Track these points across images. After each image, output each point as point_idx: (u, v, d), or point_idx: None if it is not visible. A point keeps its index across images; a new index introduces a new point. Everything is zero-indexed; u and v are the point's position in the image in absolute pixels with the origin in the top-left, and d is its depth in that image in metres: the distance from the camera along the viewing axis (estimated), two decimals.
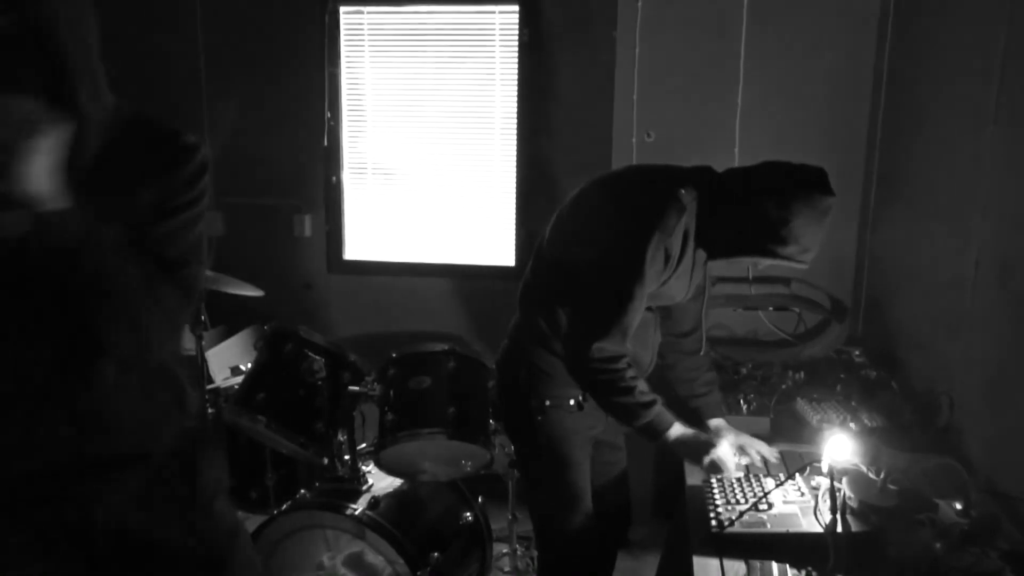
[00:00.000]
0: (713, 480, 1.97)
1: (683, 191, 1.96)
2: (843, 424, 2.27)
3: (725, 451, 2.02)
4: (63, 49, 1.11)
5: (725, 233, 1.99)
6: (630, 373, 2.00)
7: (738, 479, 1.96)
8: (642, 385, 2.01)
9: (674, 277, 2.01)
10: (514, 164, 3.68)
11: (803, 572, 1.60)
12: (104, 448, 1.32)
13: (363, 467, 2.62)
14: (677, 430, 2.03)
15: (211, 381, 3.14)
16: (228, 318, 3.59)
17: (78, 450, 1.29)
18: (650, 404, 2.00)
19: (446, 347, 2.62)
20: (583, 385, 2.09)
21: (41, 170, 1.06)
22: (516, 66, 3.60)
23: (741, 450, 2.08)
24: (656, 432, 2.02)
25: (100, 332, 1.18)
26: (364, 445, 2.69)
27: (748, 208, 1.94)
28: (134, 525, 1.35)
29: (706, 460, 2.00)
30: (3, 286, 1.17)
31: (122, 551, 1.36)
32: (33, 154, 1.05)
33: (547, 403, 2.12)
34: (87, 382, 1.27)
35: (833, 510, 1.69)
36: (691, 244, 2.00)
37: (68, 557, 1.32)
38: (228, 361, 3.33)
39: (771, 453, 2.11)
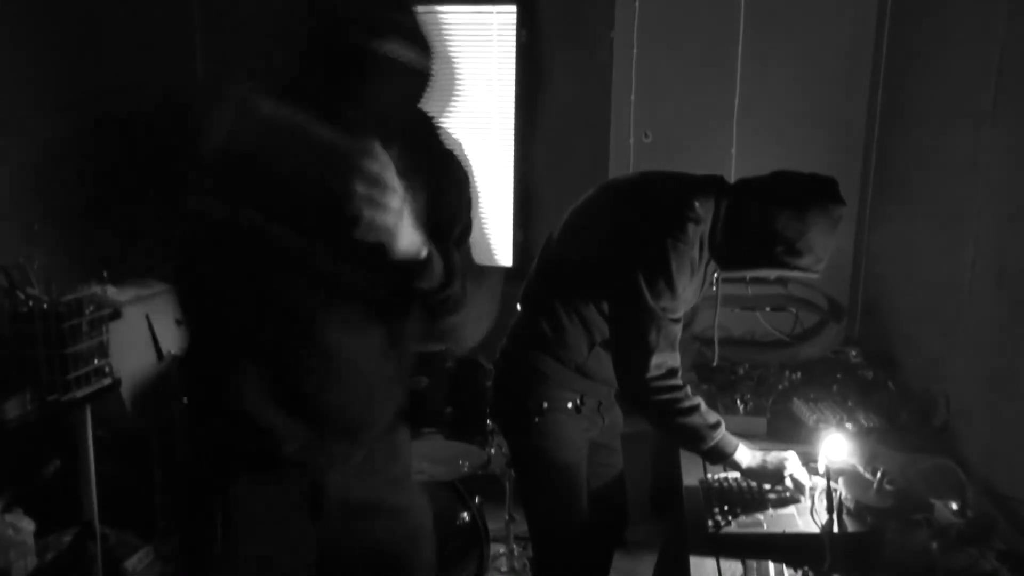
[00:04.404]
0: (712, 478, 1.98)
1: (697, 202, 1.96)
2: (840, 424, 2.27)
3: (797, 464, 1.94)
4: None
5: (739, 246, 1.98)
6: (690, 391, 1.96)
7: (736, 480, 1.96)
8: (704, 404, 1.96)
9: (690, 287, 2.01)
10: (511, 165, 3.68)
11: (799, 572, 1.60)
12: (356, 417, 1.53)
13: None
14: (744, 454, 1.96)
15: None
16: None
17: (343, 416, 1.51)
18: (716, 425, 1.94)
19: (444, 347, 2.62)
20: (644, 410, 2.00)
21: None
22: (514, 67, 3.60)
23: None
24: (722, 455, 1.95)
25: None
26: None
27: (763, 221, 1.93)
28: (354, 495, 1.57)
29: (789, 483, 1.91)
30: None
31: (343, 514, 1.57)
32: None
33: (544, 405, 2.12)
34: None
35: (829, 510, 1.70)
36: (704, 255, 2.00)
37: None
38: None
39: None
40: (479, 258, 1.58)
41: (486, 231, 3.76)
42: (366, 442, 1.59)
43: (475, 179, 1.56)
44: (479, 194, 1.57)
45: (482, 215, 3.74)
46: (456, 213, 1.51)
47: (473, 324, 1.53)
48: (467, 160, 1.55)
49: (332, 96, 1.32)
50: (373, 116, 1.33)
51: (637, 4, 3.34)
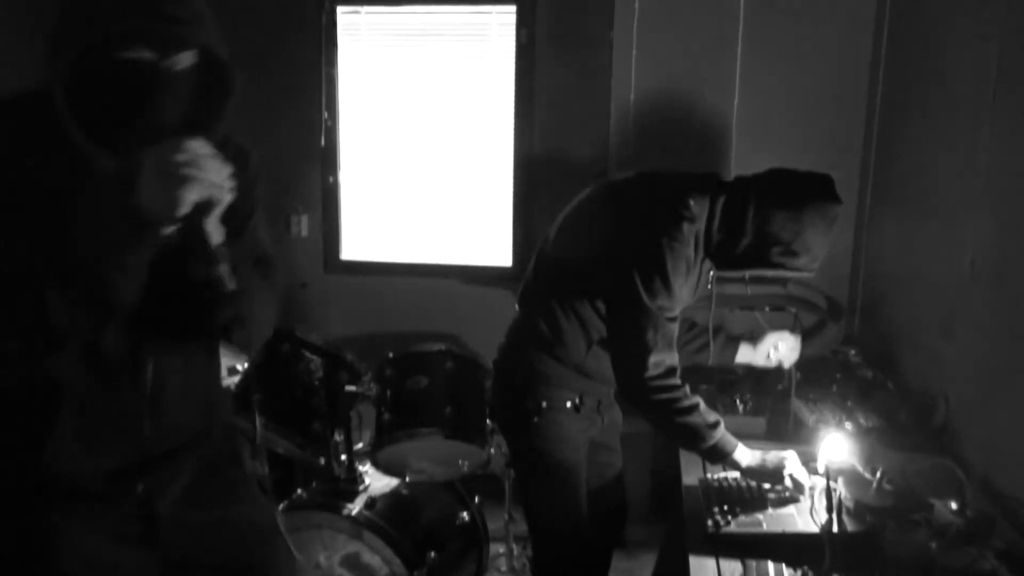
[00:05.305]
0: (711, 477, 1.98)
1: (692, 201, 1.96)
2: (839, 424, 2.27)
3: (796, 463, 1.94)
4: None
5: (735, 247, 1.98)
6: (689, 390, 1.96)
7: (735, 480, 1.97)
8: (703, 403, 1.96)
9: (686, 286, 2.01)
10: (511, 164, 3.68)
11: (799, 572, 1.60)
12: (175, 434, 1.47)
13: (360, 467, 2.62)
14: (744, 454, 1.96)
15: None
16: None
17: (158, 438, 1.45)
18: (715, 425, 1.94)
19: (443, 347, 2.62)
20: (643, 409, 2.00)
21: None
22: (513, 66, 3.60)
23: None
24: (721, 454, 1.95)
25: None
26: (361, 445, 2.69)
27: (759, 223, 1.93)
28: (190, 513, 1.51)
29: (788, 482, 1.91)
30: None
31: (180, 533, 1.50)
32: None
33: (544, 404, 2.12)
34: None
35: (829, 510, 1.70)
36: (700, 254, 2.00)
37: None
38: (224, 361, 3.32)
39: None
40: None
41: (485, 231, 3.77)
42: (192, 457, 1.53)
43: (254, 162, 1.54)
44: (259, 178, 1.54)
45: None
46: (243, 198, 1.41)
47: (259, 314, 1.45)
48: (243, 144, 1.54)
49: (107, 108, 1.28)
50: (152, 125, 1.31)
51: (637, 4, 3.34)
